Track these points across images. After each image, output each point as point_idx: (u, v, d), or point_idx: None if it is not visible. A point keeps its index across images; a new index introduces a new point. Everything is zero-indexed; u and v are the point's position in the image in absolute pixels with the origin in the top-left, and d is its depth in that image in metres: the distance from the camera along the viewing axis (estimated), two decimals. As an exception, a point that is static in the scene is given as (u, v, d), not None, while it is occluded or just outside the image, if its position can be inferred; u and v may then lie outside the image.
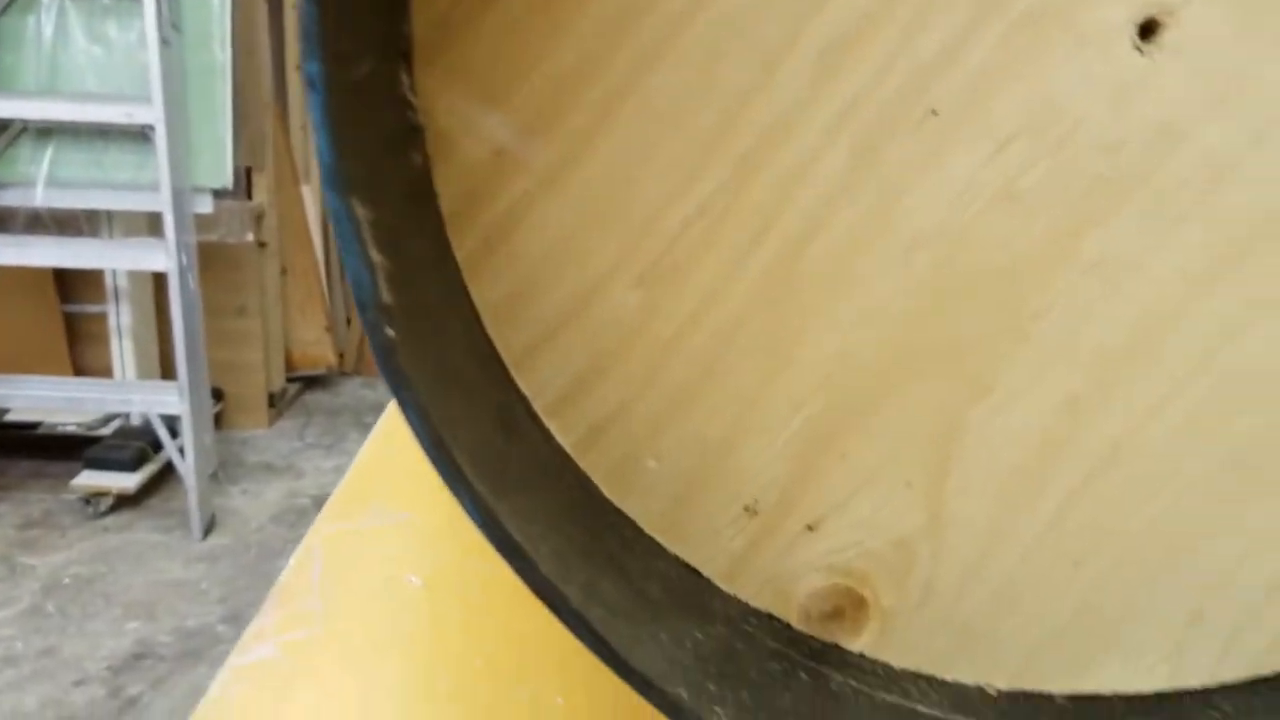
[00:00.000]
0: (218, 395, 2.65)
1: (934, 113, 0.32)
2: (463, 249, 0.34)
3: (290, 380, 3.07)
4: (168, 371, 2.51)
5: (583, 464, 0.36)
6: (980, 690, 0.37)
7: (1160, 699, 0.36)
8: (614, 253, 0.34)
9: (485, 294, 0.34)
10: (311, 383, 3.22)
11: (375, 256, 0.24)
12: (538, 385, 0.35)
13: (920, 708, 0.35)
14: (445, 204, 0.34)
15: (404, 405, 0.25)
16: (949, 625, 0.37)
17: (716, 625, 0.35)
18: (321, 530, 0.52)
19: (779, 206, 0.33)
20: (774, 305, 0.34)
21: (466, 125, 0.33)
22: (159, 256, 2.13)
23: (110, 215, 2.37)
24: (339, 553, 0.50)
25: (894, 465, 0.36)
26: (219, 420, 2.68)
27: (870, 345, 0.35)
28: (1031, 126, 0.32)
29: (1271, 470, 0.34)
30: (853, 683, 0.35)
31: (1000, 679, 0.37)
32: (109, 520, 2.32)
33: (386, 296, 0.25)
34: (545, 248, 0.34)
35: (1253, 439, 0.34)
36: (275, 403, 2.90)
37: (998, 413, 0.35)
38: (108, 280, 2.45)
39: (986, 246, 0.33)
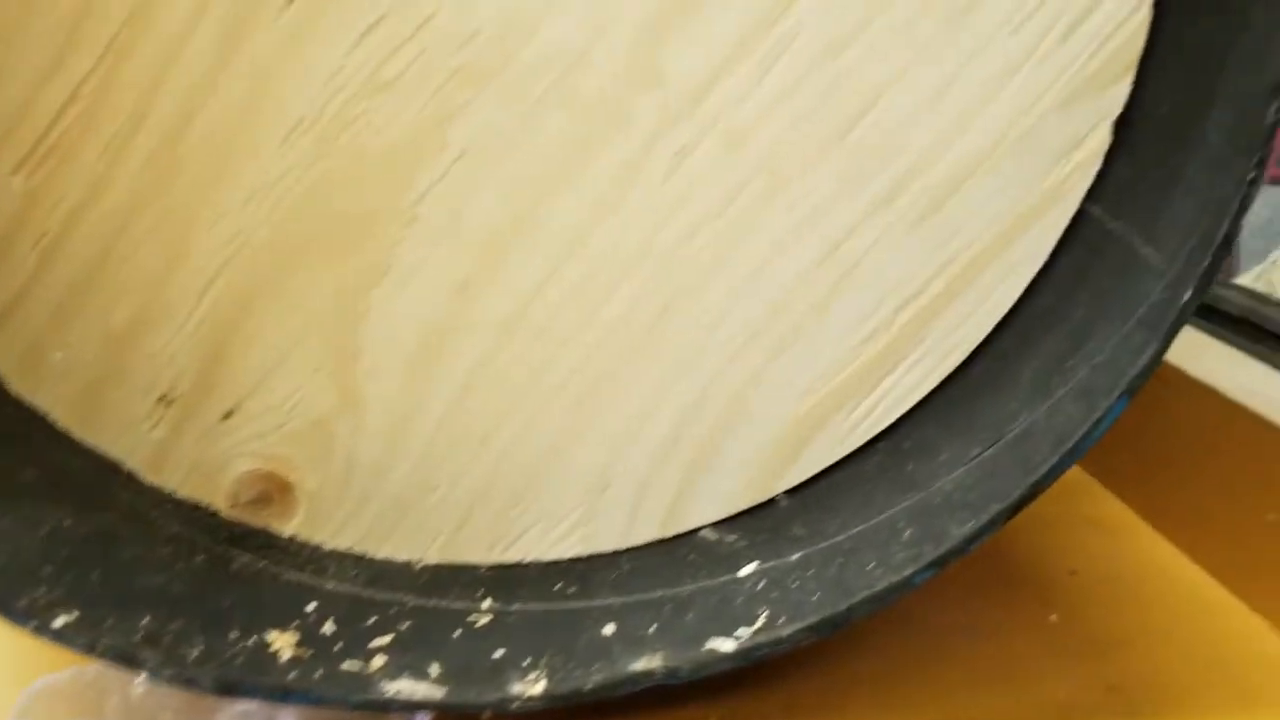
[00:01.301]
0: None
1: (291, 1, 0.34)
2: None
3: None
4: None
5: (-16, 357, 0.36)
6: (407, 565, 0.39)
7: (572, 560, 0.39)
8: (-13, 137, 0.34)
9: None
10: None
11: None
12: (-78, 275, 0.35)
13: (330, 585, 0.37)
14: None
15: None
16: (377, 503, 0.38)
17: (106, 513, 0.35)
18: None
19: (152, 92, 0.34)
20: (163, 192, 0.35)
21: None
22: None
23: None
24: None
25: (303, 348, 0.37)
26: None
27: (265, 228, 0.36)
28: (390, 16, 0.34)
29: (650, 341, 0.38)
30: (262, 563, 0.36)
31: (431, 554, 0.39)
32: None
33: None
34: (-91, 131, 0.33)
35: (628, 312, 0.37)
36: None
37: (397, 293, 0.37)
38: None
39: (363, 132, 0.35)
